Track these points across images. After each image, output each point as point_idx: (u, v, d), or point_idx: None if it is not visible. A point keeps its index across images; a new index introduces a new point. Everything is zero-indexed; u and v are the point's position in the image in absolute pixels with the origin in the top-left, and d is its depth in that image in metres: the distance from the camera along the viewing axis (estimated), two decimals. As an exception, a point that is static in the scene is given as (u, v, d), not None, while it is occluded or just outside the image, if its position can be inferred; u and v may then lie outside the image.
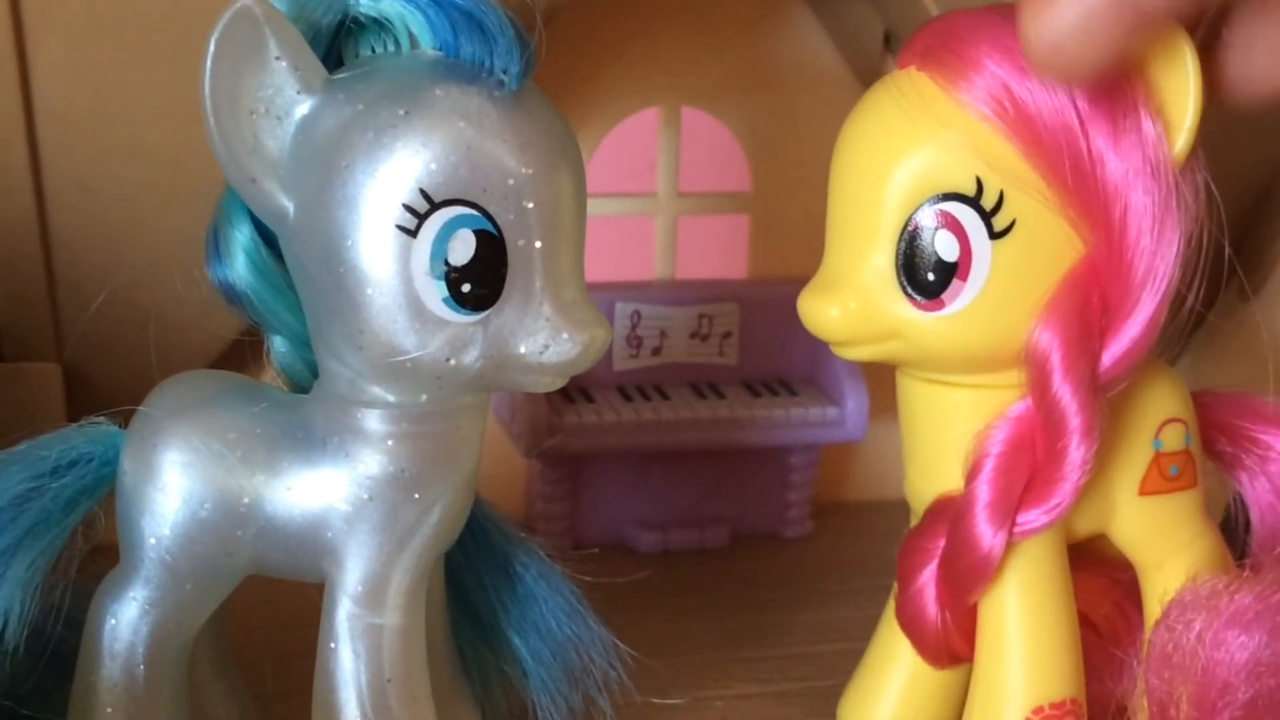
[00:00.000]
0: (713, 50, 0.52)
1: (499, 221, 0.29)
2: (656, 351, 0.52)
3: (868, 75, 0.52)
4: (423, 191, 0.29)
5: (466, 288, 0.30)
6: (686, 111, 0.52)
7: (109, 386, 0.47)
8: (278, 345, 0.34)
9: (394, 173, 0.29)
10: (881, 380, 0.49)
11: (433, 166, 0.29)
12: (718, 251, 0.54)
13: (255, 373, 0.46)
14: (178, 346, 0.45)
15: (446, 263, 0.29)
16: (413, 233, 0.29)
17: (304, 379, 0.34)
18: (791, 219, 0.54)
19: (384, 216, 0.29)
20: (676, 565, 0.52)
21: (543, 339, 0.30)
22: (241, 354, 0.47)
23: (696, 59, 0.52)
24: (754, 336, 0.53)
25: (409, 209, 0.29)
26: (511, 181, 0.29)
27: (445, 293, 0.29)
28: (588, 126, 0.50)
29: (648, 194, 0.52)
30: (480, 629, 0.37)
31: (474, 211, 0.29)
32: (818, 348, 0.52)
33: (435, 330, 0.30)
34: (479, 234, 0.29)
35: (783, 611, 0.49)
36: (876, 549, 0.53)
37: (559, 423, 0.49)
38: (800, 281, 0.53)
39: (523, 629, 0.37)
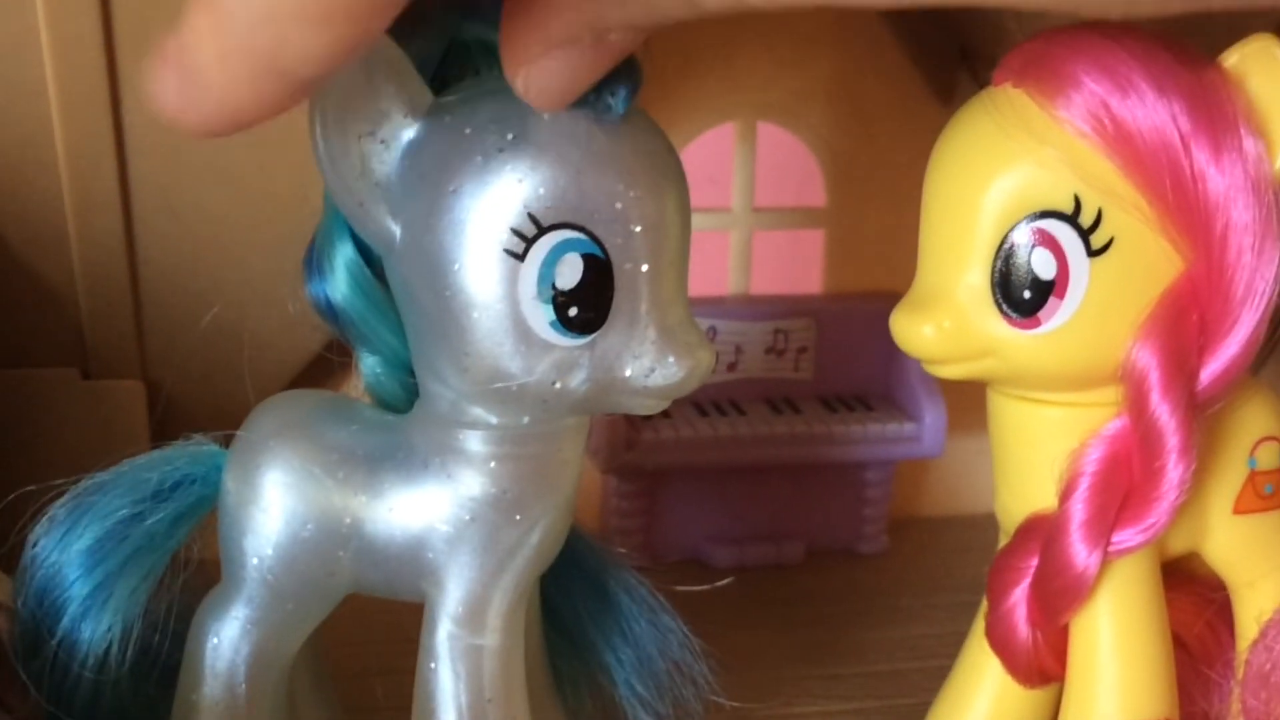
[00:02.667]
0: (788, 66, 0.52)
1: (606, 245, 0.29)
2: (732, 367, 0.52)
3: (944, 90, 0.52)
4: (531, 216, 0.29)
5: (573, 311, 0.29)
6: (762, 127, 0.52)
7: (191, 403, 0.47)
8: (371, 364, 0.34)
9: (502, 197, 0.29)
10: (957, 395, 0.49)
11: (541, 191, 0.29)
12: (793, 266, 0.54)
13: (336, 388, 0.47)
14: (259, 363, 0.46)
15: (554, 286, 0.29)
16: (520, 257, 0.29)
17: (395, 398, 0.34)
18: (867, 234, 0.54)
19: (491, 240, 0.29)
20: (752, 580, 0.52)
21: (648, 362, 0.30)
22: (322, 370, 0.48)
23: (772, 75, 0.52)
24: (829, 352, 0.53)
25: (517, 233, 0.29)
26: (619, 205, 0.29)
27: (552, 316, 0.29)
28: (663, 142, 0.51)
29: (723, 209, 0.52)
30: (569, 639, 0.37)
31: (582, 235, 0.29)
32: (894, 363, 0.53)
33: (541, 354, 0.30)
34: (586, 258, 0.29)
35: (861, 628, 0.48)
36: (953, 565, 0.53)
37: (636, 438, 0.49)
38: (876, 296, 0.54)
39: (610, 638, 0.37)
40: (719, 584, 0.40)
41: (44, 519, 0.33)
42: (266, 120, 0.27)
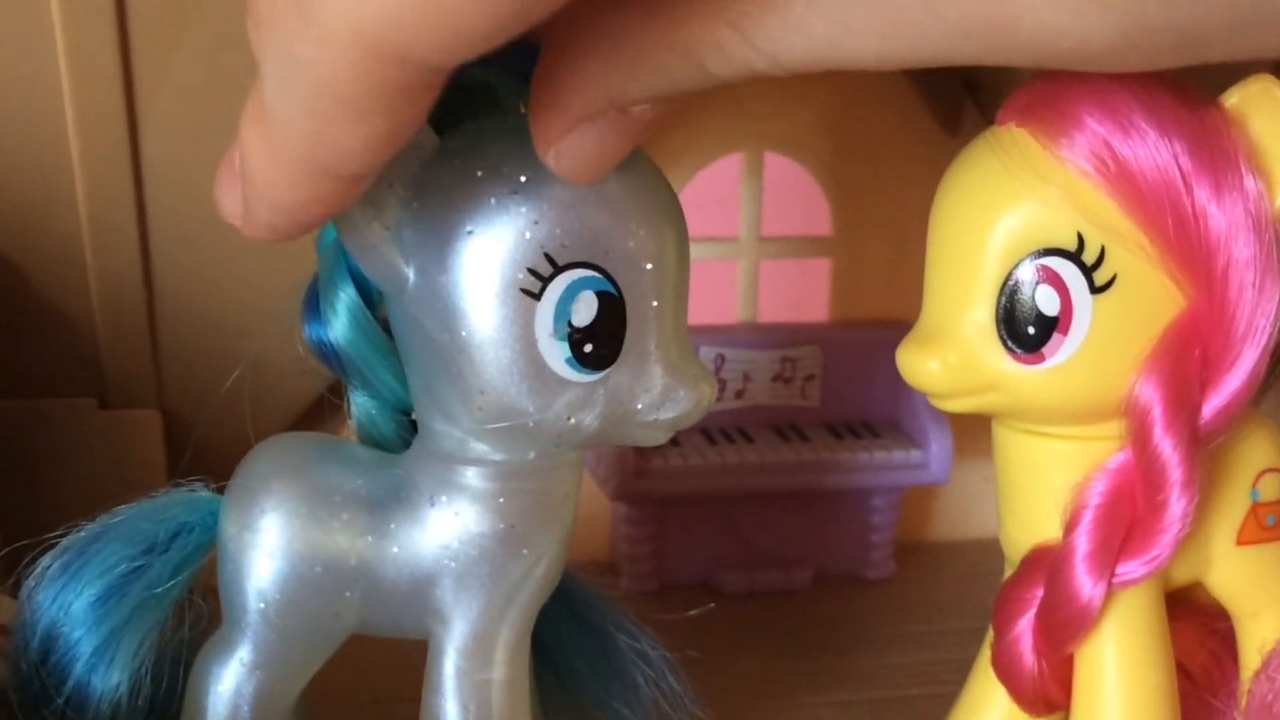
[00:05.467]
0: (795, 97, 0.52)
1: (619, 282, 0.30)
2: (740, 394, 0.53)
3: (949, 121, 0.52)
4: (547, 255, 0.29)
5: (589, 348, 0.30)
6: (769, 157, 0.53)
7: (206, 432, 0.48)
8: (365, 405, 0.34)
9: (518, 238, 0.29)
10: (963, 422, 0.50)
11: (556, 231, 0.29)
12: (800, 295, 0.54)
13: (342, 424, 0.48)
14: (272, 394, 0.47)
15: (570, 324, 0.30)
16: (536, 296, 0.30)
17: (387, 438, 0.34)
18: (873, 262, 0.54)
19: (507, 280, 0.29)
20: (761, 606, 0.52)
21: (657, 395, 0.31)
22: (330, 403, 0.48)
23: (778, 106, 0.52)
24: (836, 379, 0.54)
25: (533, 273, 0.29)
26: (631, 244, 0.30)
27: (568, 353, 0.30)
28: (672, 172, 0.50)
29: (730, 238, 0.53)
30: (554, 669, 0.38)
31: (596, 274, 0.30)
32: (900, 390, 0.53)
33: (557, 390, 0.30)
34: (600, 295, 0.30)
35: (870, 654, 0.49)
36: (961, 590, 0.53)
37: (645, 466, 0.50)
38: (882, 324, 0.54)
39: (594, 666, 0.37)
40: (701, 610, 0.40)
41: (37, 571, 0.33)
42: (324, 222, 0.28)
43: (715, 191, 0.52)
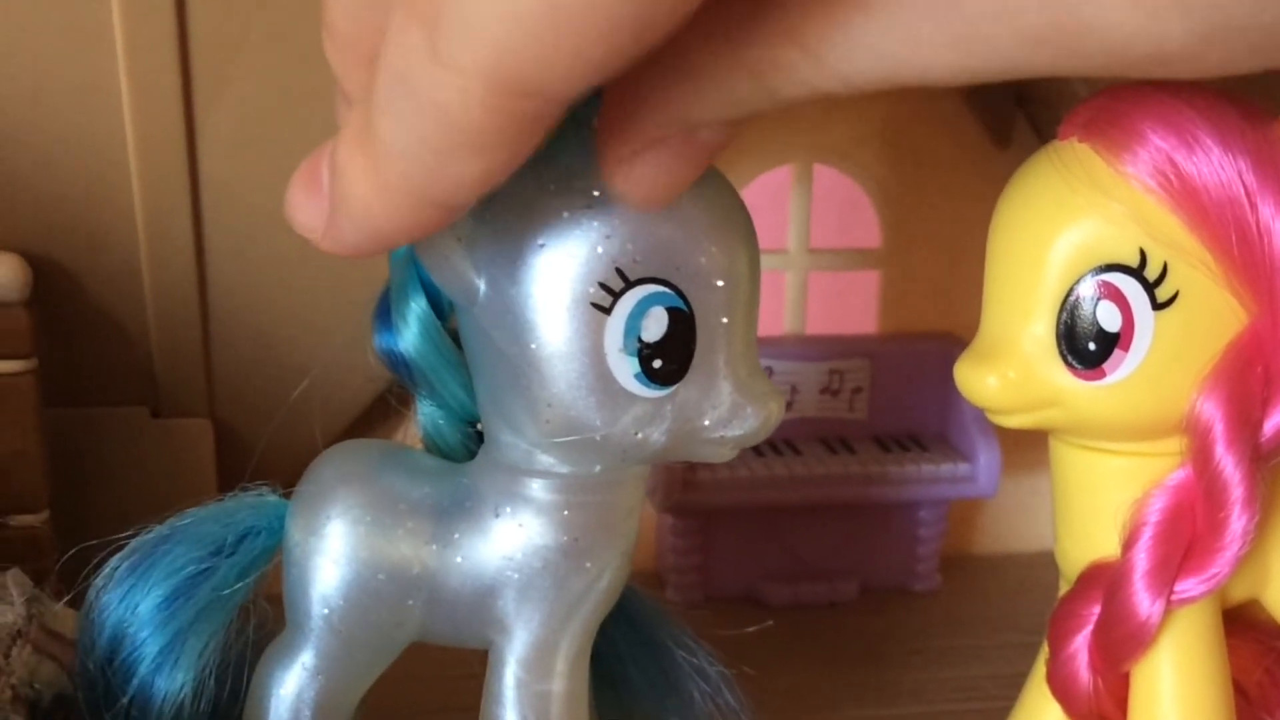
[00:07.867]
0: (844, 109, 0.52)
1: (690, 299, 0.30)
2: (788, 407, 0.53)
3: (1000, 134, 0.52)
4: (618, 270, 0.29)
5: (658, 364, 0.30)
6: (818, 169, 0.53)
7: (256, 441, 0.48)
8: (431, 414, 0.34)
9: (590, 253, 0.29)
10: (1010, 435, 0.49)
11: (629, 246, 0.29)
12: (848, 307, 0.54)
13: (394, 431, 0.48)
14: (323, 403, 0.47)
15: (639, 339, 0.30)
16: (607, 310, 0.30)
17: (452, 448, 0.35)
18: (921, 275, 0.54)
19: (578, 295, 0.29)
20: (806, 619, 0.52)
21: (725, 412, 0.31)
22: (380, 413, 0.49)
23: (828, 118, 0.52)
24: (884, 392, 0.53)
25: (604, 287, 0.29)
26: (703, 260, 0.30)
27: (637, 368, 0.30)
28: (721, 184, 0.51)
29: (779, 250, 0.53)
30: (611, 682, 0.37)
31: (667, 289, 0.30)
32: (948, 403, 0.53)
33: (625, 405, 0.30)
34: (671, 311, 0.30)
35: (917, 668, 0.49)
36: (1008, 604, 0.53)
37: (693, 478, 0.50)
38: (930, 337, 0.54)
39: (652, 680, 0.37)
40: (760, 627, 0.41)
41: (104, 573, 0.33)
42: (411, 244, 0.28)
43: (764, 203, 0.52)
